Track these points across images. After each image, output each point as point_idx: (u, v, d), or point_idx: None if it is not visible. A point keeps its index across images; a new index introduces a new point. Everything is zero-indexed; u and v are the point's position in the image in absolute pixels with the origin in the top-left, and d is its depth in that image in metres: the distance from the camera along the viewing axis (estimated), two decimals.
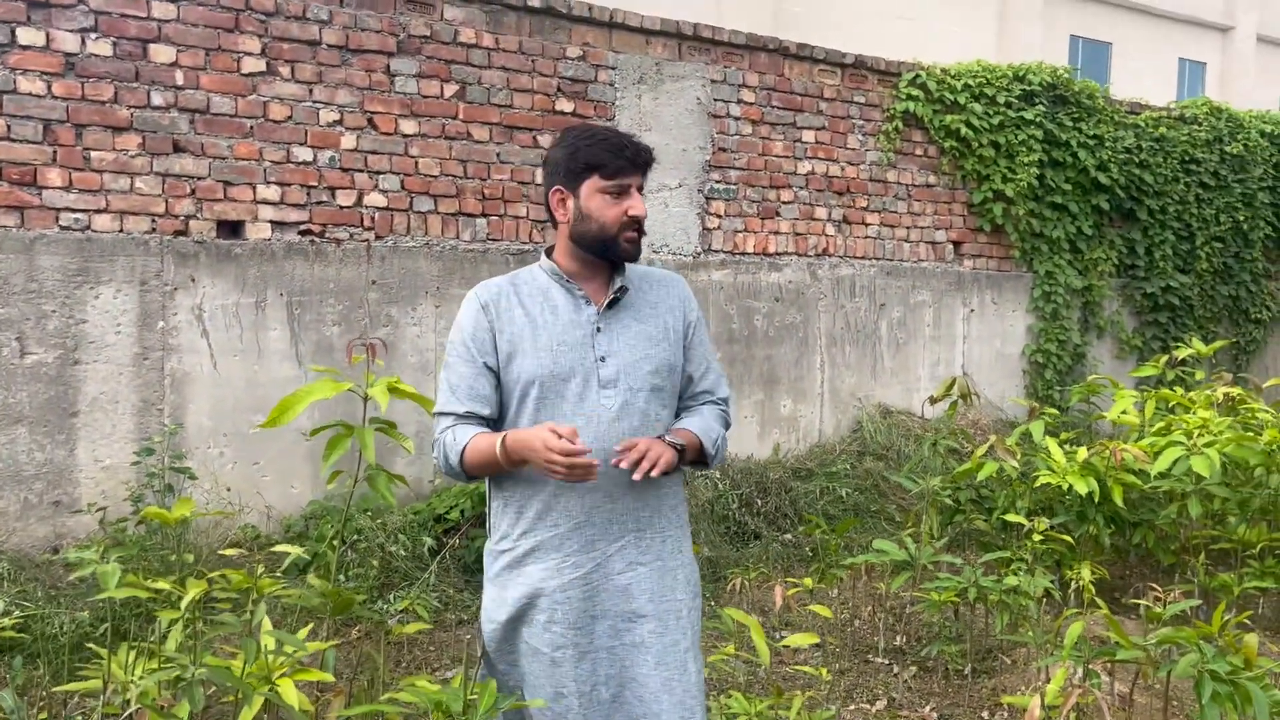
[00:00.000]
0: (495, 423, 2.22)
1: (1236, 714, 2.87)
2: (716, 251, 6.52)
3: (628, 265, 2.28)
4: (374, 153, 5.39)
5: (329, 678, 2.63)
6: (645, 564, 2.19)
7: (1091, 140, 7.85)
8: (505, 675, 2.25)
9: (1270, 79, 29.20)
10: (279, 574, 4.04)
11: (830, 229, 7.00)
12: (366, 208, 5.38)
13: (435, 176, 5.56)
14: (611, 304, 2.22)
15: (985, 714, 3.75)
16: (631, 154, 2.14)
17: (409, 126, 5.48)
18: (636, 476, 2.03)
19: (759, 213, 6.69)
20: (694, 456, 2.23)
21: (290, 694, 2.49)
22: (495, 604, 2.22)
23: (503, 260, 5.76)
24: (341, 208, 5.32)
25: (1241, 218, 8.85)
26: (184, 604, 2.49)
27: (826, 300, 7.01)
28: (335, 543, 3.64)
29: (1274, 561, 4.55)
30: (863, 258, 7.15)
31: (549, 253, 2.31)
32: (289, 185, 5.18)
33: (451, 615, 4.54)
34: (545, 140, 5.88)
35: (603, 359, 2.17)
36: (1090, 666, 3.19)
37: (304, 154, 5.21)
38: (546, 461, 1.94)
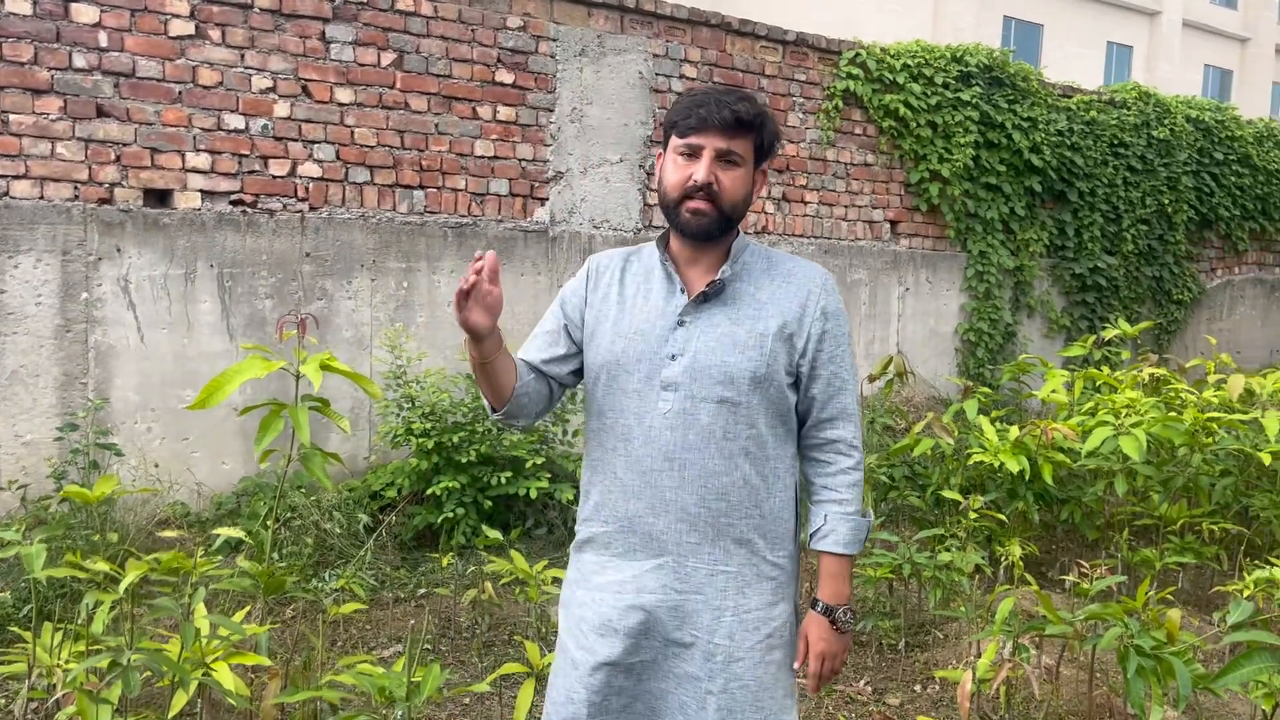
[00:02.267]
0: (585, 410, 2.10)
1: (1160, 687, 2.96)
2: (658, 227, 6.50)
3: (751, 251, 2.01)
4: (308, 121, 5.26)
5: (265, 661, 2.59)
6: (681, 592, 1.93)
7: (1025, 122, 7.98)
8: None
9: (1193, 62, 30.00)
10: (211, 552, 3.96)
11: (770, 207, 7.02)
12: (301, 178, 5.26)
13: (372, 147, 5.45)
14: (707, 297, 1.94)
15: (918, 687, 3.83)
16: (706, 110, 1.86)
17: (345, 95, 5.35)
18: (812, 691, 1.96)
19: None
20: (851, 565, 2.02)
21: (226, 678, 2.44)
22: (565, 583, 2.10)
23: (440, 233, 5.67)
24: (275, 177, 5.19)
25: (1166, 201, 9.09)
26: (122, 587, 2.42)
27: None
28: (268, 521, 3.57)
29: (1193, 538, 4.71)
30: (801, 236, 7.19)
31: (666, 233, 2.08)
32: (220, 154, 5.03)
33: (388, 593, 4.49)
34: (484, 111, 5.79)
35: (672, 357, 1.91)
36: (1020, 641, 3.27)
37: (235, 121, 5.06)
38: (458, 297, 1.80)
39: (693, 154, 1.89)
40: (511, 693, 3.54)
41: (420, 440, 4.88)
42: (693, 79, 6.57)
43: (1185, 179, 9.23)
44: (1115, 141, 8.69)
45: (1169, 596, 3.78)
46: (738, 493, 1.93)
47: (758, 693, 1.93)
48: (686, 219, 1.90)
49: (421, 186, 5.62)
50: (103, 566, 2.43)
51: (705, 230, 1.91)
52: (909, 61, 7.44)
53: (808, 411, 2.00)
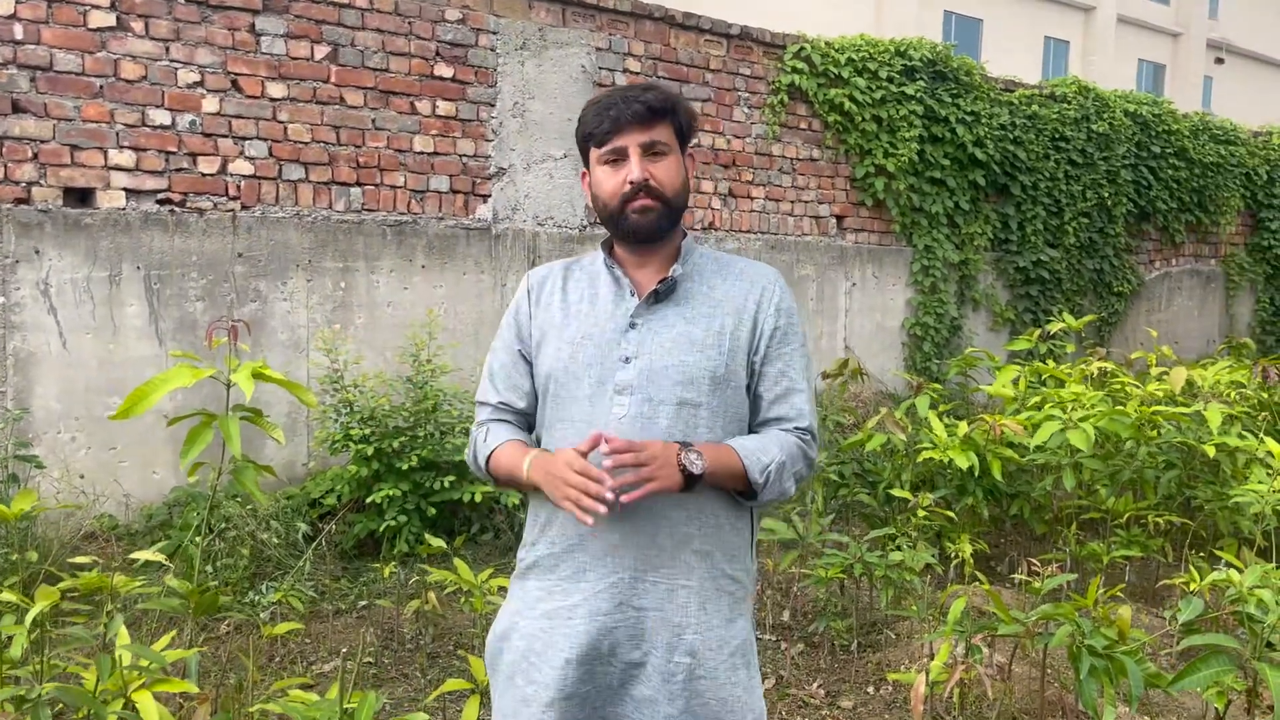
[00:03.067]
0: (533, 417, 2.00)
1: (1112, 686, 2.94)
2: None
3: (700, 253, 1.94)
4: (239, 117, 5.07)
5: (191, 688, 2.45)
6: (638, 609, 1.81)
7: (969, 117, 8.01)
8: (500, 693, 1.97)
9: (1127, 56, 30.59)
10: (138, 569, 3.79)
11: (716, 202, 6.95)
12: (231, 175, 5.07)
13: (306, 143, 5.27)
14: (659, 297, 1.87)
15: (871, 689, 3.78)
16: (617, 111, 1.80)
17: (277, 90, 5.17)
18: (624, 498, 1.67)
19: None
20: (731, 484, 1.81)
21: (149, 709, 2.30)
22: (501, 614, 1.96)
23: (379, 232, 5.52)
24: (204, 175, 4.99)
25: (1106, 194, 9.20)
26: (29, 618, 2.27)
27: None
28: (198, 536, 3.41)
29: (1139, 530, 4.73)
30: (748, 231, 7.14)
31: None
32: (145, 150, 4.83)
33: (328, 605, 4.35)
34: (423, 106, 5.64)
35: (625, 360, 1.82)
36: (972, 641, 3.24)
37: (161, 117, 4.86)
38: (563, 485, 1.69)
39: (618, 158, 1.83)
40: (456, 707, 3.42)
41: (359, 446, 4.74)
42: (636, 73, 6.47)
43: (1124, 172, 9.35)
44: (1056, 135, 8.77)
45: (1119, 594, 3.78)
46: (698, 504, 1.81)
47: (720, 713, 1.82)
48: (634, 220, 1.83)
49: (359, 184, 5.46)
50: (9, 597, 2.28)
51: (655, 225, 1.84)
52: (853, 56, 7.42)
53: (755, 409, 1.91)
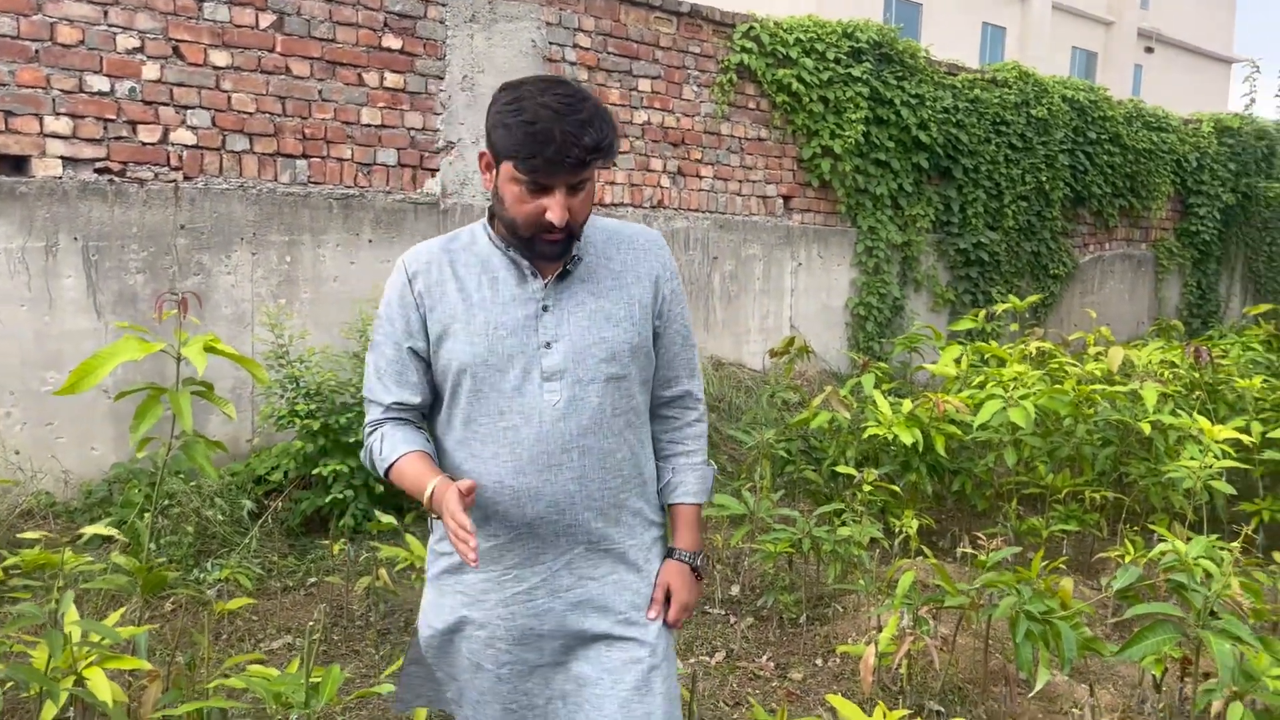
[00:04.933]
0: (430, 415, 1.94)
1: (1048, 651, 3.04)
2: None
3: (588, 224, 1.88)
4: (181, 85, 4.94)
5: (144, 664, 2.42)
6: (597, 578, 1.88)
7: (914, 99, 8.10)
8: (442, 684, 2.00)
9: (1062, 45, 31.15)
10: (84, 543, 3.71)
11: (665, 180, 6.96)
12: (173, 145, 4.94)
13: (250, 113, 5.16)
14: (562, 275, 1.83)
15: (820, 661, 3.85)
16: (554, 152, 1.65)
17: (220, 58, 5.05)
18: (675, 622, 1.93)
19: None
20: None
21: (101, 686, 2.27)
22: (434, 609, 1.95)
23: (325, 205, 5.43)
24: (144, 144, 4.86)
25: (1044, 178, 9.39)
26: None
27: None
28: (145, 512, 3.35)
29: (1076, 505, 4.87)
30: (697, 210, 7.16)
31: (491, 212, 1.88)
32: (82, 118, 4.68)
33: (276, 582, 4.30)
34: (371, 78, 5.55)
35: (547, 345, 1.80)
36: (919, 613, 3.32)
37: (99, 83, 4.72)
38: (445, 525, 1.66)
39: (540, 190, 1.71)
40: None
41: (305, 422, 4.68)
42: (586, 49, 6.44)
43: (1061, 157, 9.55)
44: (997, 120, 8.92)
45: (1061, 566, 3.89)
46: (629, 466, 1.90)
47: (668, 650, 1.95)
48: (544, 249, 1.77)
49: (305, 156, 5.36)
50: None
51: (563, 253, 1.79)
52: (801, 36, 7.45)
53: (662, 367, 1.98)
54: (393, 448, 1.83)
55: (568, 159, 1.66)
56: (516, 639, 1.86)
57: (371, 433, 1.90)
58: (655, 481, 2.02)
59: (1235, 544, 3.09)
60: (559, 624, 1.86)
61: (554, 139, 1.64)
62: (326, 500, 4.69)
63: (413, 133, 5.73)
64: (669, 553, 2.00)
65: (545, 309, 1.82)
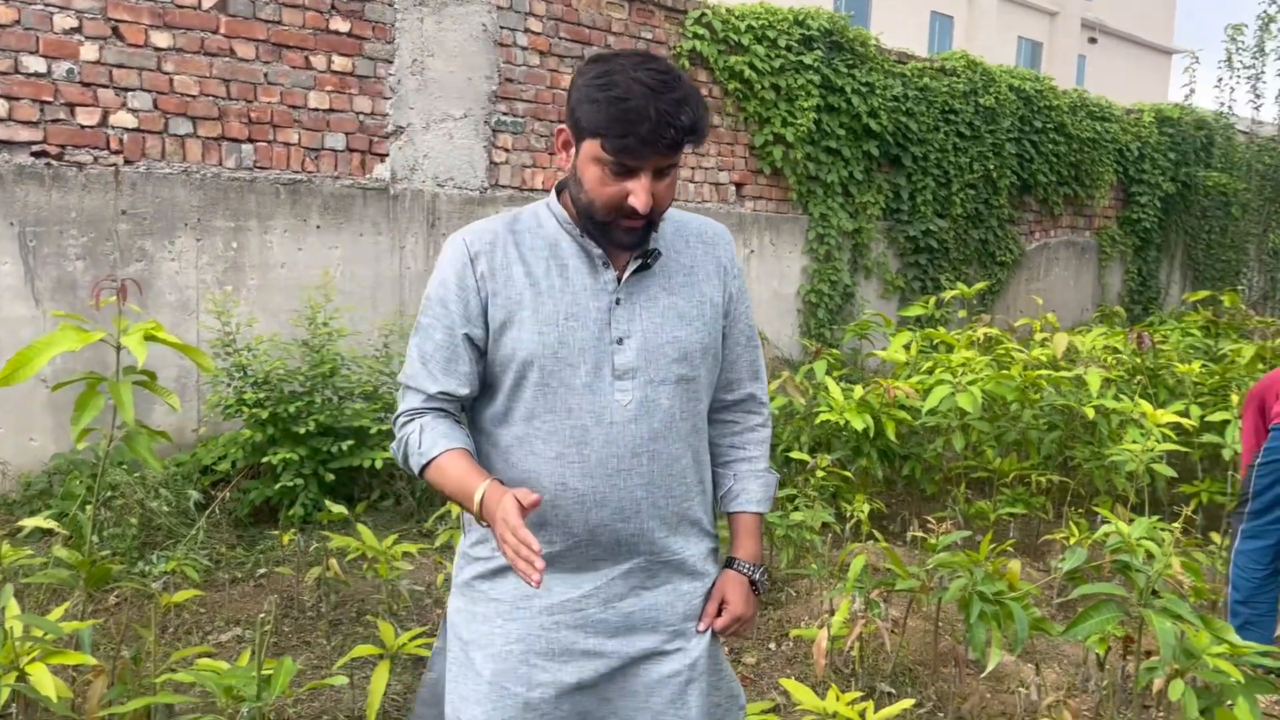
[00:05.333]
0: (474, 406, 1.79)
1: (1000, 631, 3.09)
2: (504, 186, 6.32)
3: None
4: (121, 66, 4.82)
5: (87, 659, 2.36)
6: (651, 589, 1.77)
7: (864, 87, 8.16)
8: (464, 699, 1.77)
9: (1008, 35, 31.55)
10: (22, 536, 3.62)
11: None
12: (113, 128, 4.82)
13: (194, 96, 5.05)
14: (645, 266, 1.72)
15: (773, 645, 3.88)
16: (647, 131, 1.53)
17: (162, 39, 4.93)
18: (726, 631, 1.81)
19: (548, 148, 6.54)
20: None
21: (45, 681, 2.21)
22: (464, 618, 1.78)
23: (272, 191, 5.33)
24: (83, 127, 4.74)
25: (991, 166, 9.51)
26: None
27: None
28: (88, 504, 3.27)
29: (1023, 489, 4.96)
30: None
31: (559, 191, 1.75)
32: (18, 100, 4.55)
33: (224, 574, 4.23)
34: (318, 61, 5.46)
35: (620, 341, 1.68)
36: (871, 597, 3.35)
37: (35, 64, 4.59)
38: (499, 538, 1.51)
39: (625, 172, 1.60)
40: (363, 674, 3.38)
41: (254, 411, 4.60)
42: (538, 33, 6.39)
43: (1008, 146, 9.67)
44: (946, 108, 9.01)
45: (1009, 548, 3.96)
46: (692, 473, 1.79)
47: (716, 657, 1.86)
48: (621, 235, 1.66)
49: (250, 140, 5.26)
50: None
51: (640, 242, 1.70)
52: (753, 23, 7.46)
53: (726, 368, 1.88)
54: (433, 442, 1.68)
55: (662, 139, 1.55)
56: (556, 653, 1.72)
57: (408, 422, 1.74)
58: (713, 490, 1.90)
59: (1176, 525, 3.16)
60: (603, 643, 1.74)
61: (648, 117, 1.53)
62: (275, 489, 4.62)
63: (361, 117, 5.65)
64: (728, 563, 1.88)
65: (618, 302, 1.70)
